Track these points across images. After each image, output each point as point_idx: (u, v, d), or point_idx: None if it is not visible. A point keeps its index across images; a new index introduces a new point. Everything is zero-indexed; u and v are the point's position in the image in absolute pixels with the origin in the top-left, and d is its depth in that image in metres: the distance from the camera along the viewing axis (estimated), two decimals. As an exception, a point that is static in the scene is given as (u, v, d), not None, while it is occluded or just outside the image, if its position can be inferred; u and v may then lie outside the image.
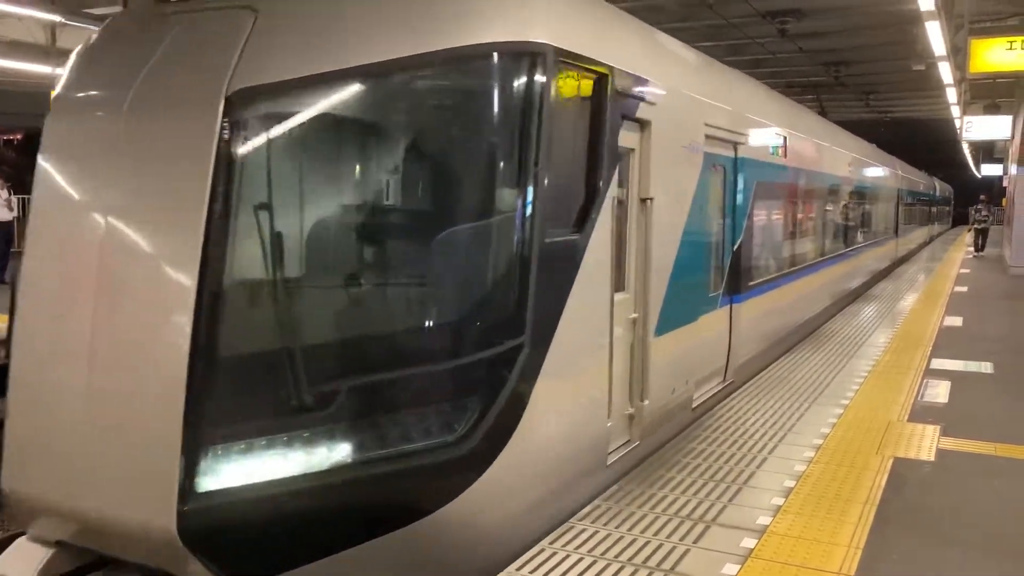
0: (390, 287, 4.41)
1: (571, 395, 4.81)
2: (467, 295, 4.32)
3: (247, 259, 4.01)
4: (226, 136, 3.96)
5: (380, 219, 4.47)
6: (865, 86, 25.53)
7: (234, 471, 3.83)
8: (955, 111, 24.17)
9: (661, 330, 5.98)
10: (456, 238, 4.30)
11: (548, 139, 4.38)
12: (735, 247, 7.87)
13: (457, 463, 4.07)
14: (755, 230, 8.55)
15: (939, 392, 7.93)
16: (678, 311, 6.31)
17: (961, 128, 24.57)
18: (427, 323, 4.37)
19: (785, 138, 9.64)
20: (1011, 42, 13.02)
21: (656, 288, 5.90)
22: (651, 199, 5.73)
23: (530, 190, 4.31)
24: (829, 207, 12.94)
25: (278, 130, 4.19)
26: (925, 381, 8.36)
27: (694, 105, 6.69)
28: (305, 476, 3.87)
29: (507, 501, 4.35)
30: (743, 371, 8.22)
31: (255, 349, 4.07)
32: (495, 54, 4.33)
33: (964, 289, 16.90)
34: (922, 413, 7.14)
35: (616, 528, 4.65)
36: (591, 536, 4.54)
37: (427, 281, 4.39)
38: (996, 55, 13.13)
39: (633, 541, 4.48)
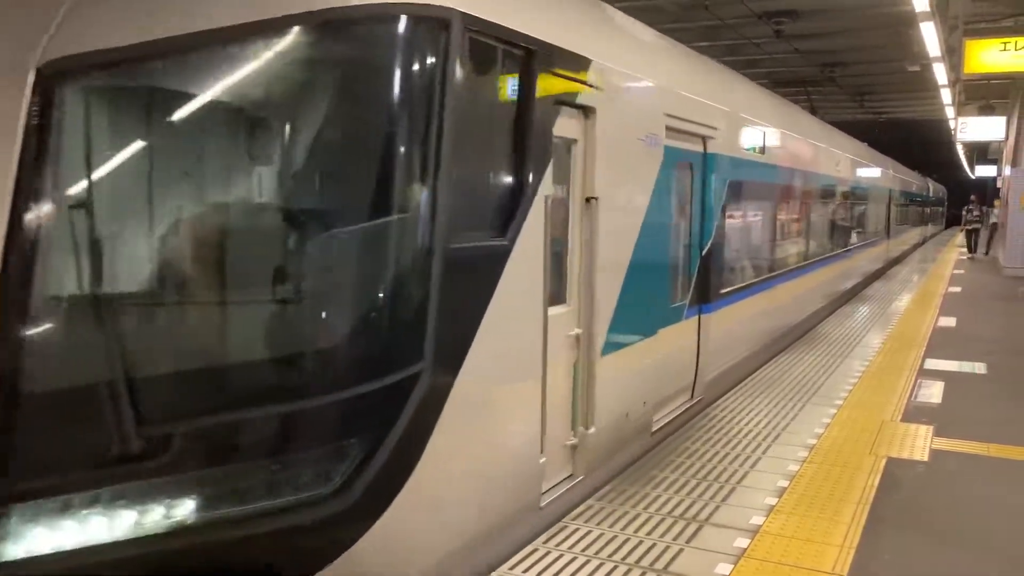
0: (248, 304, 3.52)
1: (488, 429, 4.13)
2: (348, 314, 3.52)
3: (60, 270, 3.24)
4: (36, 117, 3.15)
5: (233, 220, 3.63)
6: (860, 87, 25.58)
7: (39, 537, 3.00)
8: (949, 112, 24.24)
9: (611, 347, 5.34)
10: (334, 244, 3.53)
11: (453, 126, 3.66)
12: (704, 252, 7.20)
13: (334, 520, 3.37)
14: (728, 233, 7.85)
15: (933, 392, 7.94)
16: (633, 325, 5.68)
17: (956, 129, 24.66)
18: (297, 348, 3.51)
19: (764, 134, 9.04)
20: (1005, 43, 13.07)
21: (604, 300, 5.23)
22: (597, 198, 5.05)
23: (429, 186, 3.59)
24: (815, 208, 12.32)
25: (102, 109, 3.37)
26: (919, 381, 8.37)
27: (652, 93, 5.96)
28: (134, 542, 3.08)
29: (401, 562, 3.66)
30: (715, 387, 7.58)
31: (70, 382, 3.20)
32: (383, 19, 3.57)
33: (958, 289, 16.95)
34: (915, 413, 7.15)
35: (609, 527, 4.64)
36: (584, 535, 4.53)
37: (295, 297, 3.51)
38: (991, 56, 13.18)
39: (626, 540, 4.48)
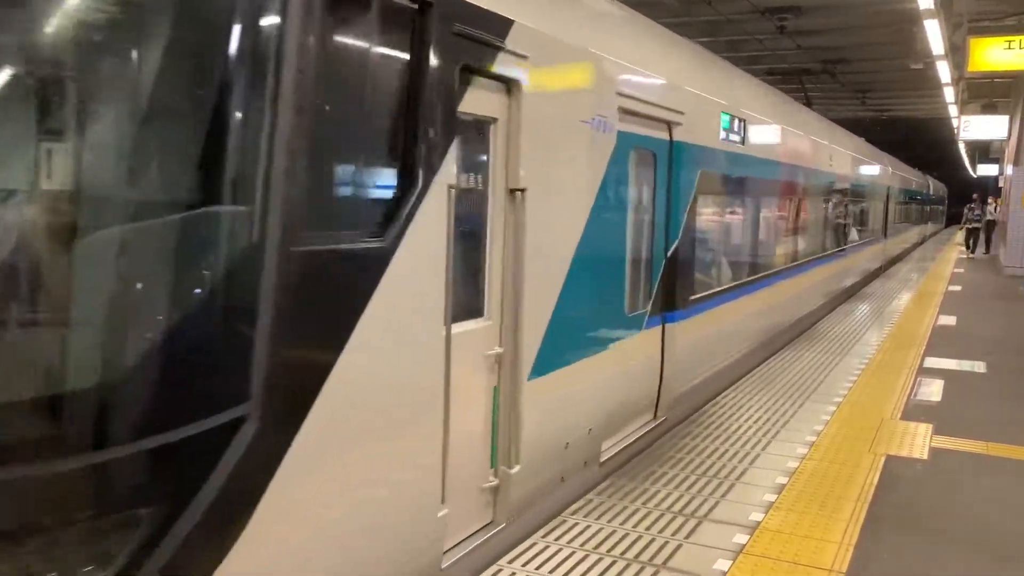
0: None
1: (356, 483, 3.25)
2: (139, 340, 2.57)
3: None
4: None
5: None
6: (862, 84, 25.54)
7: None
8: (952, 110, 24.23)
9: (545, 367, 4.53)
10: (113, 245, 2.61)
11: (300, 93, 2.84)
12: (670, 253, 6.37)
13: None
14: (699, 232, 7.03)
15: (932, 391, 7.94)
16: (575, 339, 4.92)
17: (958, 127, 24.65)
18: (69, 385, 2.56)
19: (744, 122, 8.12)
20: (1010, 41, 13.06)
21: (535, 312, 4.43)
22: (524, 190, 4.24)
23: (258, 168, 2.73)
24: (805, 205, 11.46)
25: None
26: (918, 380, 8.37)
27: (601, 68, 5.06)
28: None
29: None
30: (683, 404, 6.82)
31: None
32: None
33: (958, 288, 16.94)
34: (915, 411, 7.15)
35: (608, 522, 4.64)
36: (583, 530, 4.53)
37: (58, 317, 2.56)
38: (995, 54, 13.16)
39: (625, 535, 4.48)
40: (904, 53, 18.96)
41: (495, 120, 4.11)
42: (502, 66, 4.00)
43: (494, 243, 4.20)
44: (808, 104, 17.40)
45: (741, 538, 4.47)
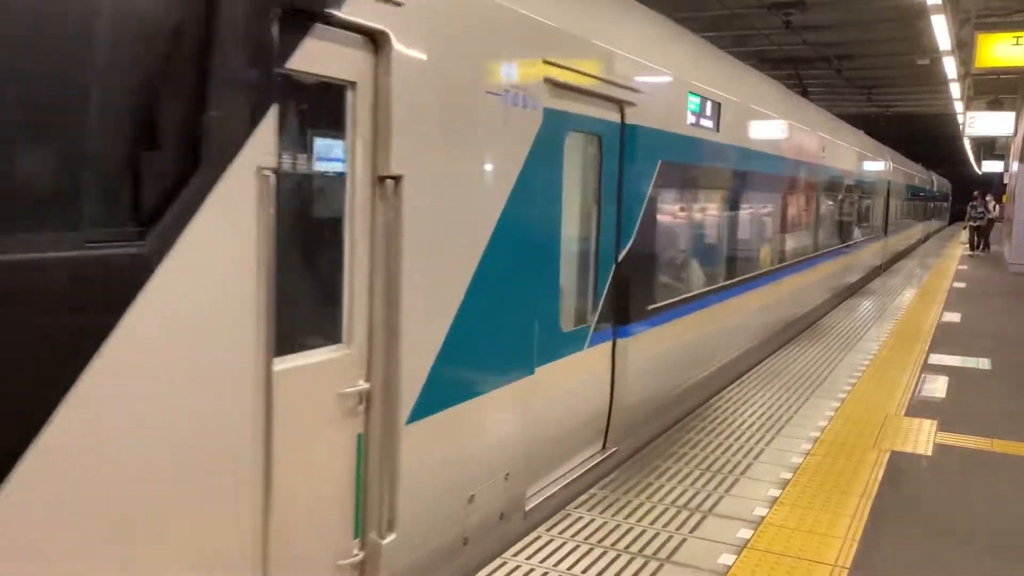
0: None
1: None
2: None
3: None
4: None
5: None
6: (868, 80, 25.47)
7: None
8: (958, 106, 24.15)
9: (437, 403, 3.63)
10: None
11: None
12: (620, 257, 5.39)
13: None
14: (659, 232, 6.00)
15: (937, 387, 7.93)
16: (481, 366, 3.99)
17: (964, 124, 24.58)
18: None
19: (720, 106, 7.06)
20: (1017, 37, 13.00)
21: (420, 334, 3.49)
22: (401, 177, 3.31)
23: None
24: (792, 202, 10.36)
25: None
26: (923, 376, 8.36)
27: (517, 24, 4.11)
28: None
29: None
30: (641, 430, 5.91)
31: None
32: None
33: (963, 285, 16.91)
34: (919, 408, 7.14)
35: (612, 516, 4.64)
36: (587, 524, 4.53)
37: None
38: (1002, 50, 13.11)
39: (630, 529, 4.48)
40: (911, 49, 18.89)
41: (353, 85, 3.16)
42: (358, 12, 3.04)
43: (356, 246, 3.23)
44: (804, 94, 16.75)
45: (745, 533, 4.47)
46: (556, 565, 4.04)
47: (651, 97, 5.63)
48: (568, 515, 4.64)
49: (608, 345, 5.38)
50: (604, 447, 5.50)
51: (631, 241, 5.51)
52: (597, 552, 4.20)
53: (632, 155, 5.43)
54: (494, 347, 4.10)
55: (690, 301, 6.84)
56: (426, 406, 3.56)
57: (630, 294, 5.50)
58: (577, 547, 4.24)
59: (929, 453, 5.97)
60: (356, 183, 3.24)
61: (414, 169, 3.40)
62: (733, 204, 8.13)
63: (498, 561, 4.07)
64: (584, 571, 3.99)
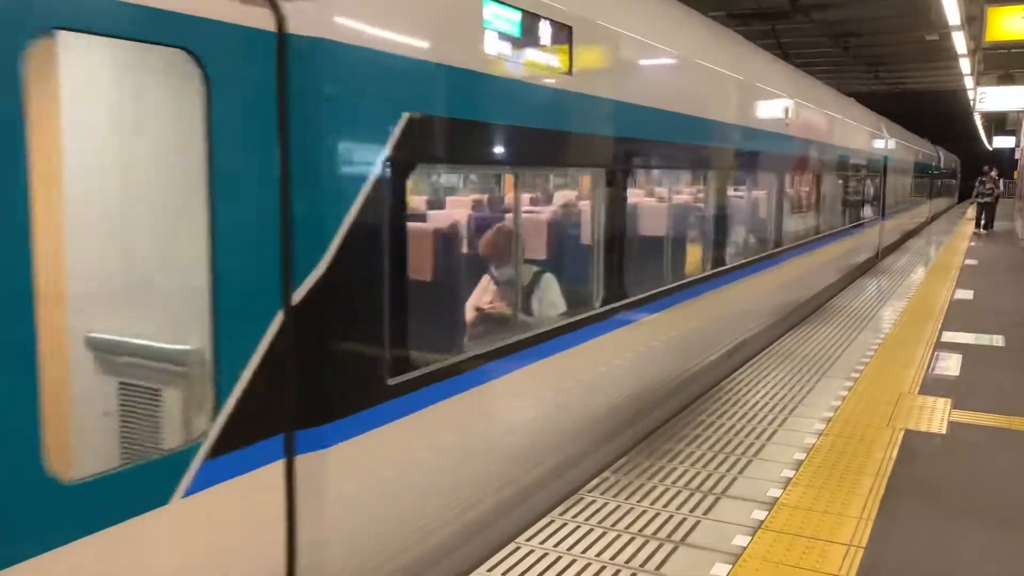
0: None
1: None
2: None
3: None
4: None
5: None
6: (875, 57, 25.21)
7: None
8: (968, 82, 23.87)
9: None
10: None
11: None
12: (300, 295, 2.97)
13: None
14: (410, 239, 3.47)
15: (950, 365, 7.87)
16: None
17: (974, 99, 24.28)
18: None
19: (571, 29, 4.50)
20: (1027, 10, 12.81)
21: None
22: None
23: None
24: (739, 182, 7.94)
25: None
26: (936, 354, 8.30)
27: None
28: None
29: None
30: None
31: None
32: None
33: (974, 262, 16.79)
34: (933, 386, 7.09)
35: (625, 500, 4.63)
36: (600, 507, 4.52)
37: None
38: (1013, 23, 12.92)
39: (643, 512, 4.47)
40: (919, 25, 18.66)
41: None
42: None
43: None
44: (785, 57, 14.07)
45: (759, 514, 4.45)
46: (570, 549, 4.03)
47: None
48: (581, 499, 4.63)
49: (267, 474, 2.92)
50: None
51: (326, 261, 3.04)
52: (611, 535, 4.19)
53: (318, 102, 2.96)
54: None
55: (483, 359, 4.06)
56: None
57: (326, 359, 3.09)
58: (591, 531, 4.23)
59: (943, 431, 5.93)
60: None
61: None
62: (604, 191, 5.10)
63: (512, 546, 4.06)
64: (598, 555, 3.98)
